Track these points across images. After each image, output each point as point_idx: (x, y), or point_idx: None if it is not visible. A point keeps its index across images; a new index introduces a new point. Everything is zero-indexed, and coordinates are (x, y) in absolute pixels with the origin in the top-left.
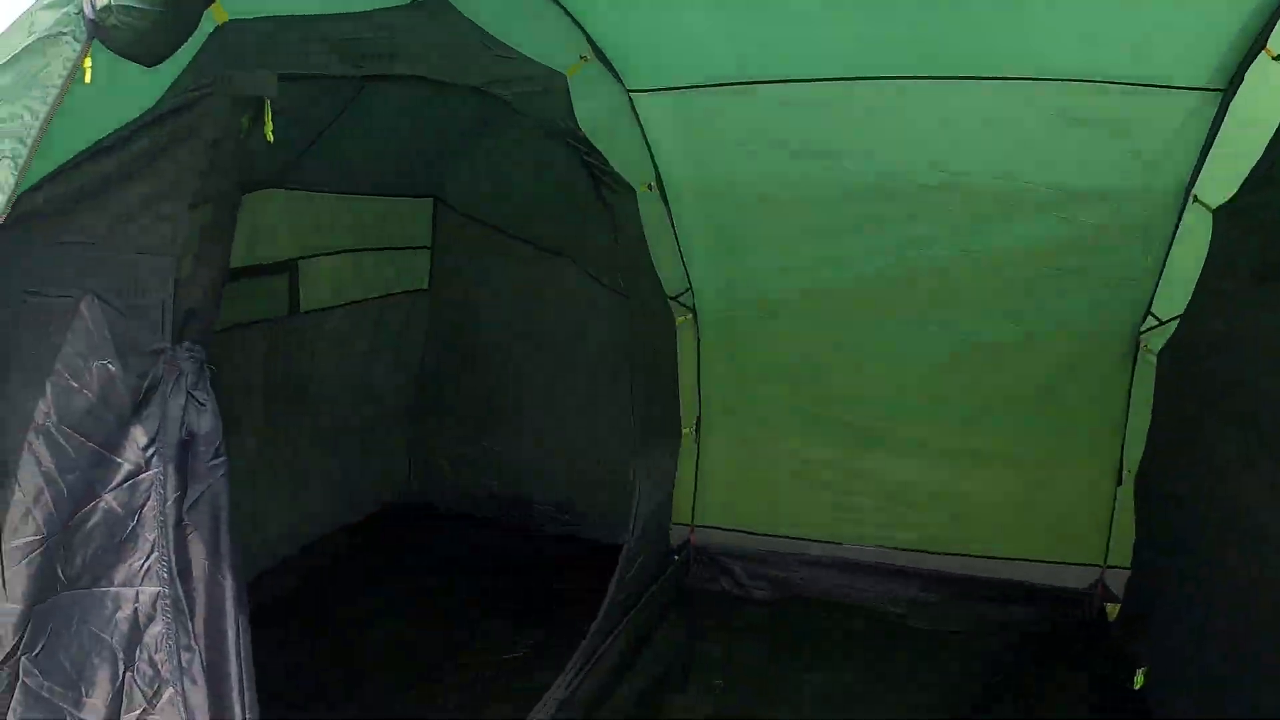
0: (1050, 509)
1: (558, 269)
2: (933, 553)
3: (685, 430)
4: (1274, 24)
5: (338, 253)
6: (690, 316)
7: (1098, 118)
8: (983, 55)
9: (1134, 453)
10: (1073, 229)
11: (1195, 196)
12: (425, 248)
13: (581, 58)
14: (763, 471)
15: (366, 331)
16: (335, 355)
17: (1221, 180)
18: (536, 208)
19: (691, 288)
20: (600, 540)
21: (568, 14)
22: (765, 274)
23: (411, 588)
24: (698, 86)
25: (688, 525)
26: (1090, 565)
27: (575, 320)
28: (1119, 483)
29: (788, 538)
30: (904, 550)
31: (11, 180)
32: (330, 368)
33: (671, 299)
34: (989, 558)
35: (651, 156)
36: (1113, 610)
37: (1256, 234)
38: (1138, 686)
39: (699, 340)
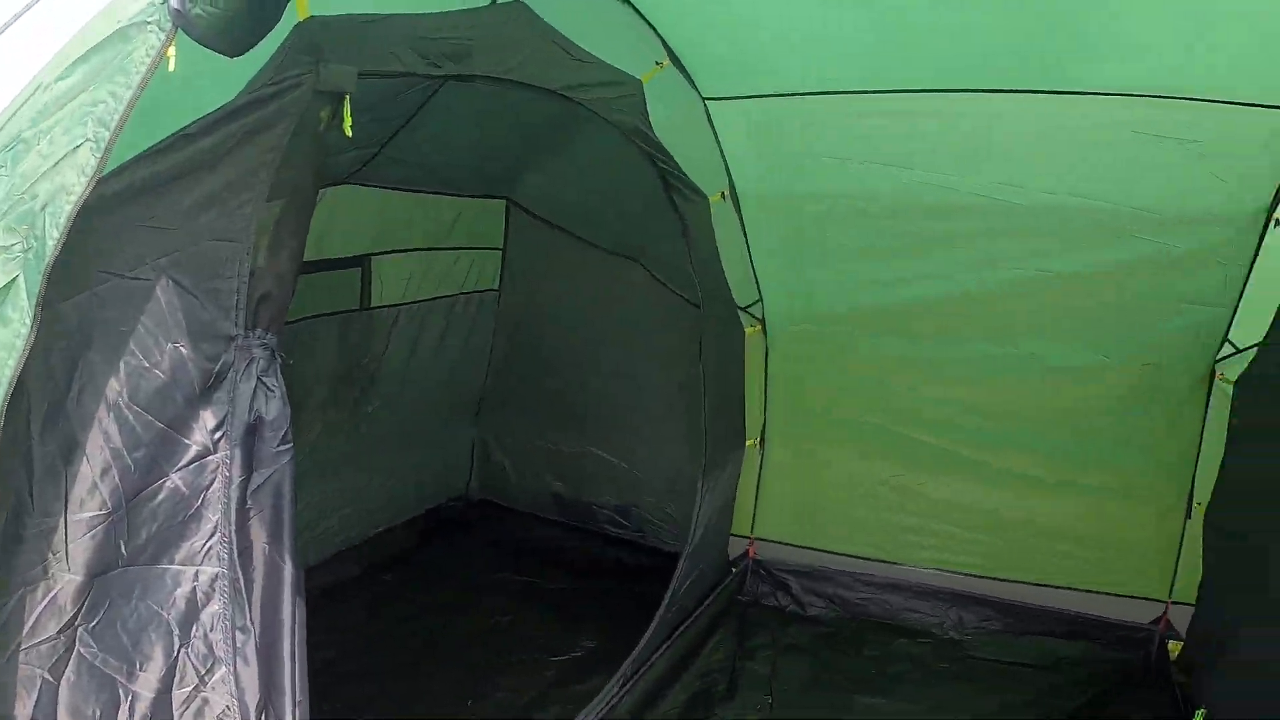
0: (1116, 540)
1: (629, 274)
2: (997, 579)
3: (749, 442)
4: None
5: (410, 250)
6: (759, 327)
7: (1180, 136)
8: (1070, 69)
9: (1205, 485)
10: (1151, 251)
11: (1277, 220)
12: (496, 248)
13: (657, 64)
14: (826, 487)
15: (435, 329)
16: (404, 351)
17: None
18: (609, 212)
19: (762, 299)
20: (659, 547)
21: (644, 20)
22: (836, 288)
23: (468, 583)
24: (774, 95)
25: (747, 537)
26: (1155, 600)
27: (644, 326)
28: (1188, 516)
29: (848, 556)
30: (967, 575)
31: (94, 163)
32: (398, 363)
33: (741, 309)
34: (1054, 587)
35: (725, 165)
36: (1175, 648)
37: None
38: None
39: (767, 352)
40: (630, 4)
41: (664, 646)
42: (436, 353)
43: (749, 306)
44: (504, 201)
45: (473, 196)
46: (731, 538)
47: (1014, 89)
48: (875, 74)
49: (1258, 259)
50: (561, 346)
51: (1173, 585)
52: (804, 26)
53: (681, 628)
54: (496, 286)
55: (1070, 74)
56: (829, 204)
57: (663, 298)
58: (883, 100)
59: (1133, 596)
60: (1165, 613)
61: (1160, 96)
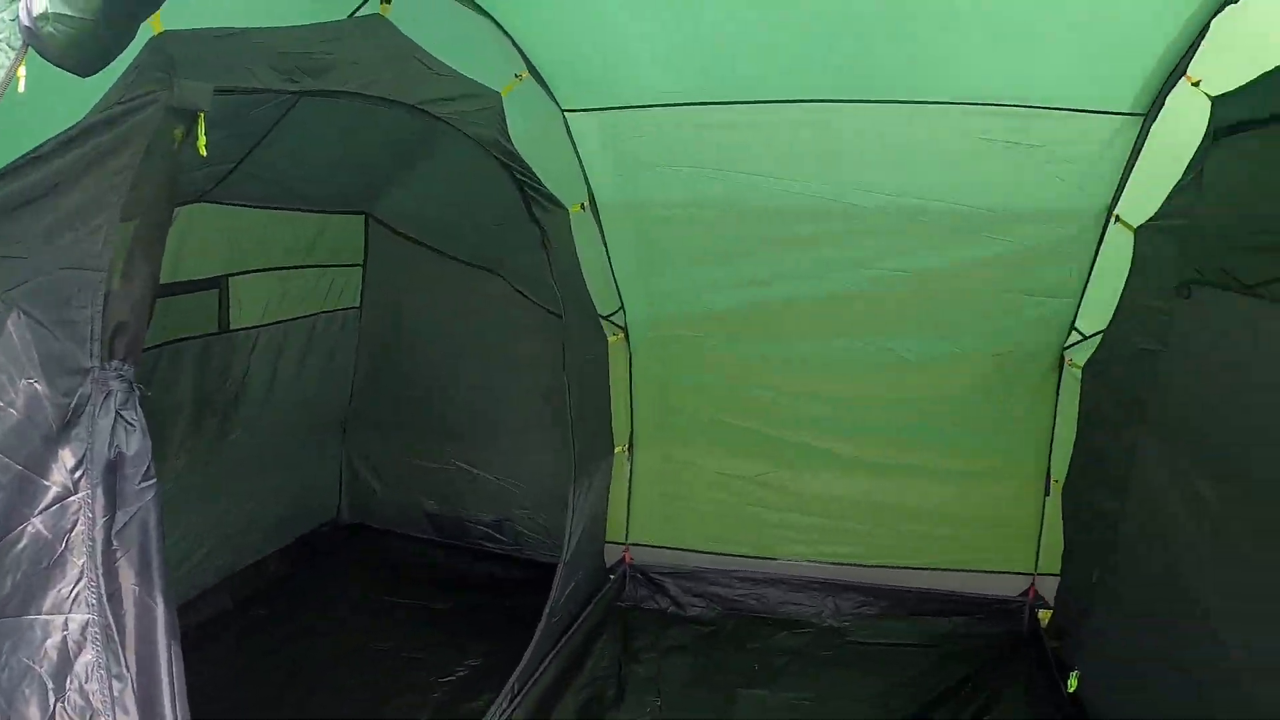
0: (982, 519)
1: (491, 287)
2: (871, 566)
3: (618, 449)
4: (1194, 52)
5: (268, 270)
6: (622, 335)
7: (1025, 141)
8: (912, 80)
9: (1060, 464)
10: (1000, 249)
11: (1118, 216)
12: (357, 265)
13: (517, 76)
14: (697, 488)
15: (297, 350)
16: (265, 374)
17: (1143, 200)
18: (470, 226)
19: (624, 307)
20: (536, 558)
21: (504, 32)
22: (696, 293)
23: (346, 610)
24: (632, 107)
25: (622, 544)
26: (1022, 574)
27: (509, 339)
28: (1047, 493)
29: (724, 554)
30: (842, 565)
31: None
32: (260, 387)
33: (604, 318)
34: (926, 569)
35: (585, 176)
36: (1045, 616)
37: (1176, 252)
38: (1072, 689)
39: (631, 359)
40: (491, 17)
41: (550, 657)
42: (299, 374)
43: (611, 315)
44: (363, 217)
45: (331, 212)
46: (607, 545)
47: (865, 99)
48: (730, 85)
49: (1100, 252)
50: (425, 362)
51: (1038, 558)
52: (660, 40)
53: (565, 637)
54: (358, 304)
55: (919, 86)
56: (688, 211)
57: (525, 309)
58: (739, 111)
59: (1002, 572)
60: (1033, 584)
61: (1007, 105)
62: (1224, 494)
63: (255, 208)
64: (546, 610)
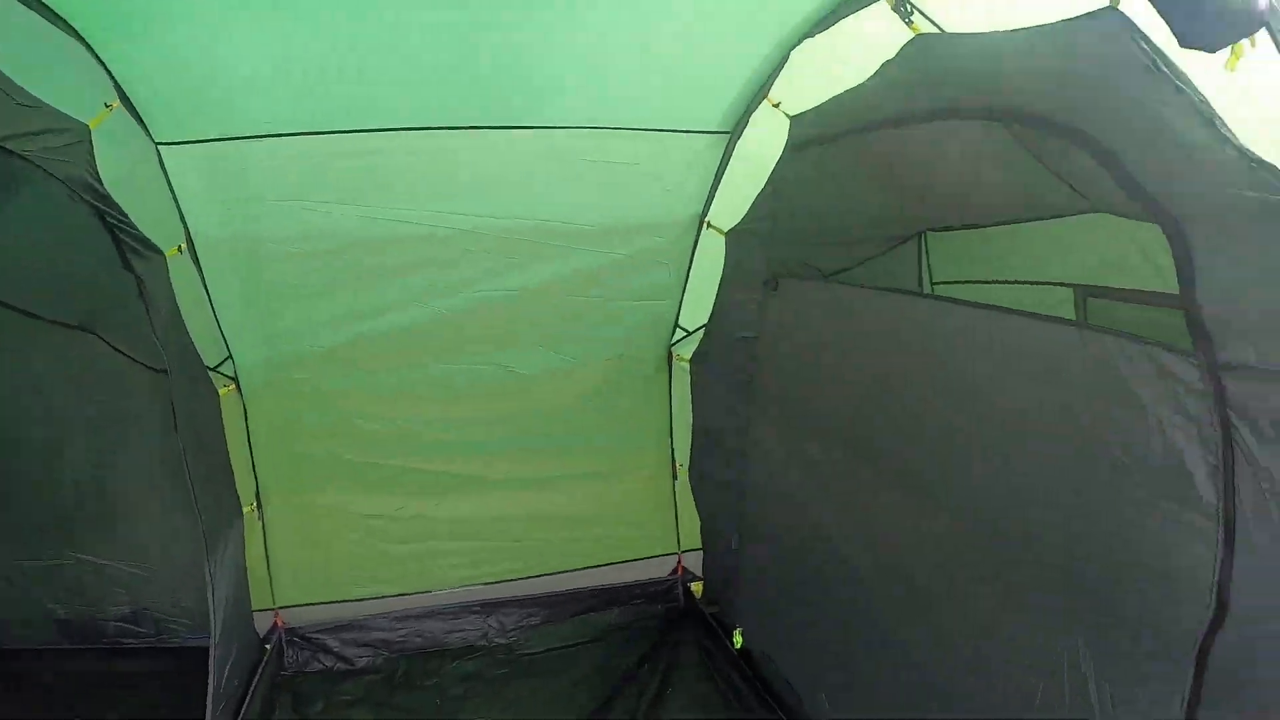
0: (623, 514)
1: (88, 348)
2: (526, 578)
3: (247, 509)
4: (775, 78)
5: None
6: (233, 386)
7: (621, 160)
8: (519, 107)
9: (682, 449)
10: (604, 260)
11: (709, 223)
12: None
13: (107, 105)
14: (338, 534)
15: None
16: None
17: (731, 208)
18: (57, 280)
19: (232, 356)
20: (184, 644)
21: (95, 56)
22: (306, 332)
23: None
24: (231, 139)
25: (271, 610)
26: (669, 555)
27: (113, 404)
28: (675, 477)
29: (379, 597)
30: (497, 583)
31: None
32: None
33: (211, 370)
34: (579, 570)
35: (181, 216)
36: (698, 587)
37: (763, 251)
38: (739, 646)
39: (245, 410)
40: (81, 38)
41: None
42: None
43: (219, 365)
44: None
45: None
46: (257, 613)
47: (466, 126)
48: (334, 114)
49: (695, 257)
50: (19, 445)
51: (679, 537)
52: (262, 66)
53: None
54: None
55: (521, 112)
56: (291, 246)
57: (127, 368)
58: (342, 140)
59: (650, 557)
60: (680, 562)
61: (607, 128)
62: (825, 448)
63: None
64: (209, 700)
